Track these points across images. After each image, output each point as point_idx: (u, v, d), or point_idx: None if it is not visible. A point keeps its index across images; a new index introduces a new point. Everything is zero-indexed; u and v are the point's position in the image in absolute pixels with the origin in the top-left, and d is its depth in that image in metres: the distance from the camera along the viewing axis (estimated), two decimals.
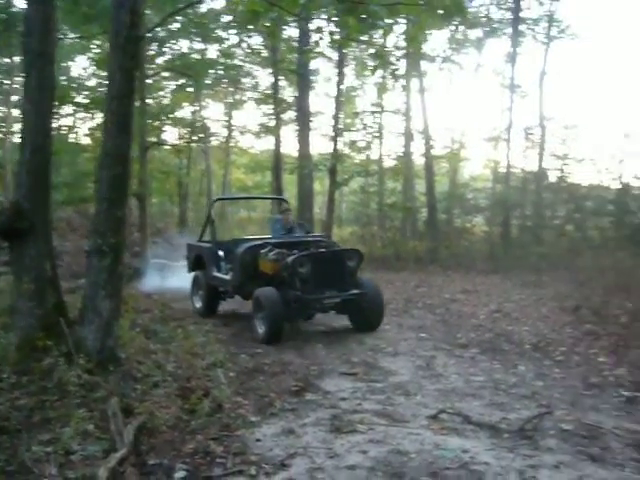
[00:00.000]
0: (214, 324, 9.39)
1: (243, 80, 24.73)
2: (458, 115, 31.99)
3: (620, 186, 18.25)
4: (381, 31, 14.50)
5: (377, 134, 23.72)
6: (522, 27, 20.24)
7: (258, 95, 25.10)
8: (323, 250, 8.93)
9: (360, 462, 4.26)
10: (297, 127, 19.95)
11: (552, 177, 20.00)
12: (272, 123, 23.15)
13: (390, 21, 11.04)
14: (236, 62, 22.15)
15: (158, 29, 15.56)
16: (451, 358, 7.32)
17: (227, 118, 29.73)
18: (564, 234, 17.88)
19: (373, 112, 22.92)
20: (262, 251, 8.83)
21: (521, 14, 19.92)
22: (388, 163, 24.59)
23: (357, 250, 9.19)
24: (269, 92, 23.02)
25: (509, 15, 20.28)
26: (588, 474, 4.05)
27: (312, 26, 11.73)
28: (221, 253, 10.18)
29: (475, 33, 21.94)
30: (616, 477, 4.02)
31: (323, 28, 9.62)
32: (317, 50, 14.79)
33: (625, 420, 5.11)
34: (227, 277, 9.52)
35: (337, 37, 9.92)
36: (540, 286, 12.49)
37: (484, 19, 20.73)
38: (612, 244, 15.52)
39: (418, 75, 21.62)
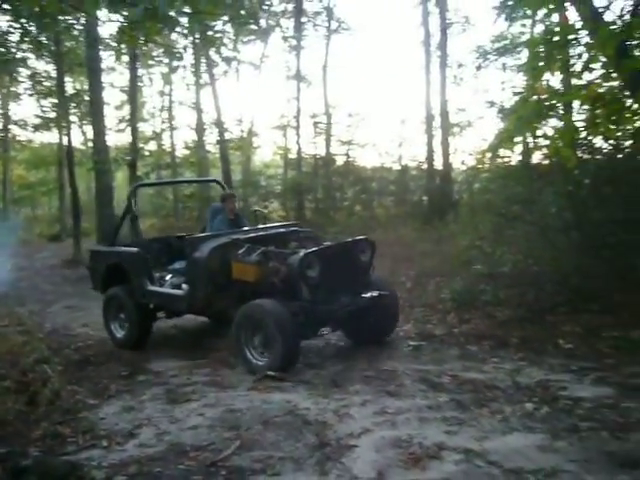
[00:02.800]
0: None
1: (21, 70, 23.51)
2: (248, 104, 33.02)
3: (400, 168, 20.29)
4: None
5: (169, 125, 23.95)
6: (304, 19, 21.60)
7: (40, 87, 24.07)
8: (330, 244, 6.98)
9: (200, 423, 4.84)
10: (90, 120, 19.59)
11: (340, 161, 21.60)
12: (56, 115, 22.40)
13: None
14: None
15: None
16: None
17: (2, 110, 28.09)
18: (354, 214, 19.44)
19: (163, 106, 23.05)
20: (239, 252, 6.52)
21: (303, 7, 21.19)
22: (182, 154, 24.92)
23: (369, 239, 7.06)
24: (52, 84, 22.22)
25: (291, 7, 21.45)
26: (388, 405, 4.99)
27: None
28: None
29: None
30: (409, 404, 5.00)
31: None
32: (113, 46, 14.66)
33: (413, 363, 6.21)
34: (178, 292, 7.04)
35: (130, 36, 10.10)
36: None
37: (266, 10, 21.67)
38: (396, 220, 17.24)
39: (208, 66, 22.10)
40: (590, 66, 5.18)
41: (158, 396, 5.65)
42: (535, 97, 5.04)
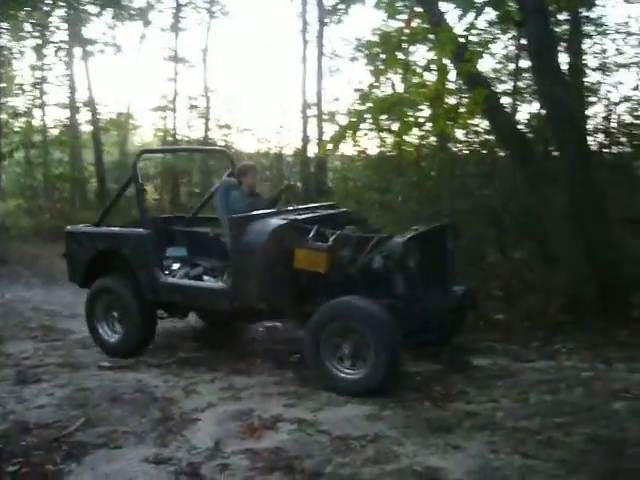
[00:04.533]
0: None
1: None
2: (126, 84, 32.06)
3: (275, 154, 20.52)
4: None
5: (39, 101, 22.97)
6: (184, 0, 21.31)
7: None
8: (423, 229, 5.62)
9: (48, 402, 4.91)
10: None
11: (218, 146, 21.55)
12: None
13: None
14: None
15: None
16: None
17: None
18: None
19: (35, 82, 22.11)
20: (305, 236, 5.35)
21: None
22: (53, 133, 23.98)
23: (455, 225, 6.16)
24: None
25: None
26: (235, 382, 5.28)
27: None
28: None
29: (139, 3, 22.35)
30: (255, 381, 5.31)
31: None
32: None
33: (266, 343, 6.57)
34: (216, 286, 5.77)
35: None
36: None
37: None
38: None
39: (81, 43, 21.38)
40: (430, 66, 5.61)
41: (8, 377, 5.63)
42: (377, 93, 5.40)
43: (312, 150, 18.35)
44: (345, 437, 4.09)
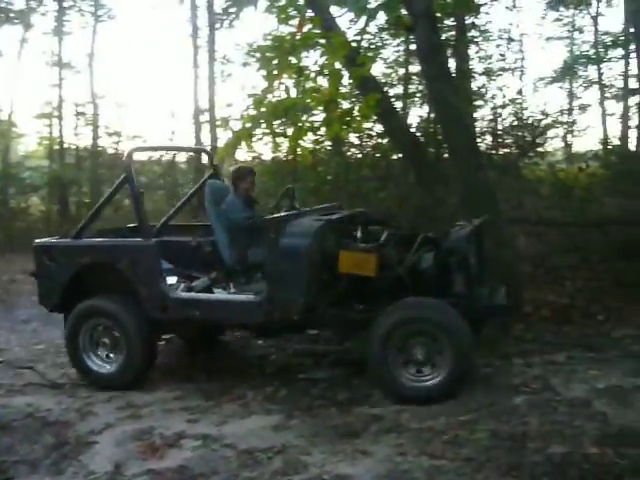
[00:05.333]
0: None
1: None
2: (7, 90, 30.50)
3: (168, 161, 20.08)
4: None
5: None
6: (67, 3, 20.51)
7: None
8: (474, 224, 5.26)
9: None
10: None
11: (108, 153, 20.85)
12: None
13: None
14: None
15: None
16: (13, 333, 7.66)
17: None
18: (121, 208, 18.90)
19: None
20: (349, 237, 5.11)
21: None
22: None
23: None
24: None
25: None
26: (134, 399, 5.03)
27: None
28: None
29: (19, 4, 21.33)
30: (155, 397, 5.09)
31: None
32: None
33: (163, 357, 6.28)
34: (246, 299, 5.11)
35: None
36: None
37: None
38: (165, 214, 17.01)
39: None
40: (324, 71, 5.61)
41: None
42: (271, 98, 5.35)
43: (206, 159, 18.12)
44: (251, 450, 3.99)
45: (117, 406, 4.91)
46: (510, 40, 15.78)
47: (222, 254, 5.58)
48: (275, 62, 5.27)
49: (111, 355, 5.45)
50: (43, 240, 5.89)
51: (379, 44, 11.37)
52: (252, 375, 5.53)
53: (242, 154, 11.99)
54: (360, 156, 9.85)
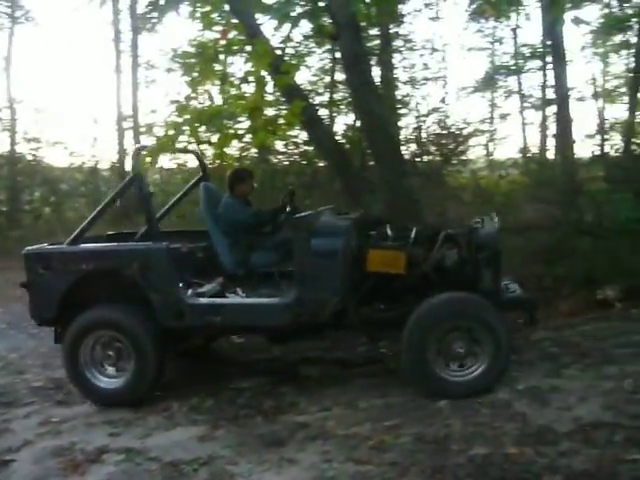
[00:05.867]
0: None
1: None
2: None
3: (90, 168, 19.58)
4: None
5: None
6: None
7: None
8: (495, 220, 5.39)
9: None
10: None
11: (26, 160, 20.17)
12: None
13: None
14: None
15: None
16: None
17: None
18: (41, 216, 18.32)
19: None
20: (377, 236, 5.14)
21: None
22: None
23: None
24: None
25: None
26: (54, 415, 4.90)
27: None
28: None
29: None
30: (77, 412, 4.96)
31: None
32: None
33: None
34: (271, 301, 4.95)
35: None
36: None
37: None
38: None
39: None
40: (248, 78, 5.58)
41: None
42: (196, 104, 5.29)
43: (130, 164, 17.78)
44: (176, 462, 3.93)
45: (36, 422, 4.76)
46: (433, 50, 16.13)
47: (221, 259, 5.45)
48: (198, 69, 5.21)
49: (116, 369, 5.09)
50: (36, 247, 5.38)
51: (304, 52, 11.43)
52: (177, 385, 5.43)
53: (167, 161, 11.89)
54: (286, 164, 9.86)
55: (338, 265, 4.72)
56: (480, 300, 4.63)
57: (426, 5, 14.89)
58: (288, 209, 5.53)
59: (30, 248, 5.34)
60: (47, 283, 5.14)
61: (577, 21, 6.50)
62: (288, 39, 5.90)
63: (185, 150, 6.29)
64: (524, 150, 15.96)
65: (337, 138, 9.57)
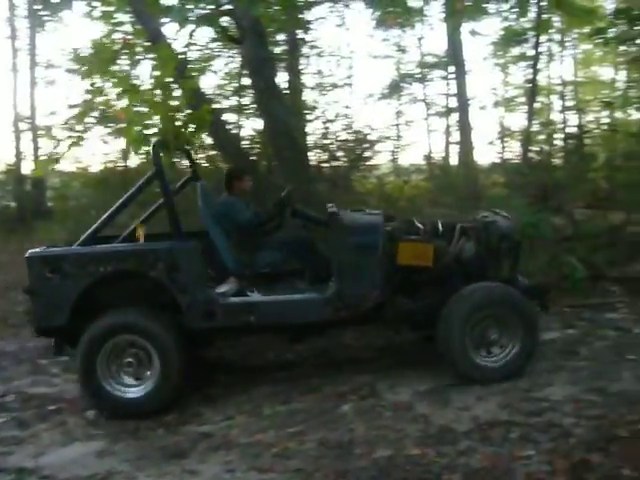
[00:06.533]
0: None
1: None
2: None
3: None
4: None
5: None
6: None
7: None
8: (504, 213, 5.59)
9: None
10: None
11: None
12: None
13: None
14: None
15: None
16: None
17: None
18: None
19: None
20: (409, 229, 5.18)
21: None
22: None
23: None
24: None
25: None
26: None
27: None
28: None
29: None
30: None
31: None
32: None
33: None
34: (310, 297, 5.00)
35: None
36: None
37: None
38: None
39: None
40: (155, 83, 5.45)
41: None
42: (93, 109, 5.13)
43: (27, 167, 17.09)
44: (73, 479, 3.76)
45: None
46: (340, 57, 16.32)
47: (224, 259, 5.31)
48: (96, 71, 5.04)
49: (138, 378, 4.77)
50: (41, 249, 4.94)
51: (210, 55, 11.27)
52: (73, 399, 5.20)
53: (68, 165, 11.48)
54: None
55: (378, 259, 4.89)
56: (511, 289, 4.88)
57: (331, 12, 15.05)
58: (288, 209, 5.48)
59: (33, 251, 4.89)
60: (56, 288, 4.73)
61: (474, 33, 6.73)
62: (190, 43, 5.79)
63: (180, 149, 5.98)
64: (428, 156, 16.36)
65: (243, 143, 9.50)
